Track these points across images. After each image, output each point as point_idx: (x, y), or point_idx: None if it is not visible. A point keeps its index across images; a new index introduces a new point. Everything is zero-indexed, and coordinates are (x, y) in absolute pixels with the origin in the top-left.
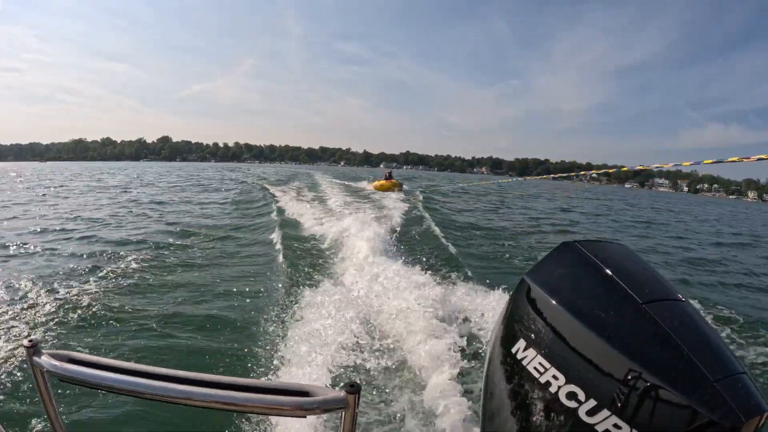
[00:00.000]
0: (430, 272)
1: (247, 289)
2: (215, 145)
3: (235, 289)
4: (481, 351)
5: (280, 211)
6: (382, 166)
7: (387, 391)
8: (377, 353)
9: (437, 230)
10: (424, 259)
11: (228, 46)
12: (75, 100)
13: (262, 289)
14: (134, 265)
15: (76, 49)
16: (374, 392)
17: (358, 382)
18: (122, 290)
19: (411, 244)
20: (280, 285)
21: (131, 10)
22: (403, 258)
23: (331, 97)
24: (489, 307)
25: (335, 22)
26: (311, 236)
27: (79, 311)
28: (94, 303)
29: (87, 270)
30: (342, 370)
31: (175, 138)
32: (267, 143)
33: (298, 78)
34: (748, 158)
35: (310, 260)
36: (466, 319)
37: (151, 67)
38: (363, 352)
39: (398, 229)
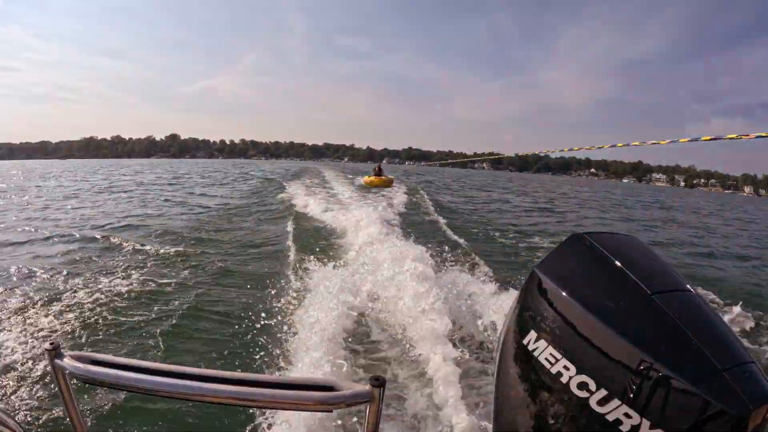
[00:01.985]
0: (439, 264)
1: (264, 285)
2: (222, 142)
3: (250, 285)
4: (492, 342)
5: (291, 204)
6: (384, 161)
7: (401, 383)
8: (388, 347)
9: (442, 221)
10: (432, 250)
11: (230, 42)
12: (76, 98)
13: (278, 284)
14: (152, 263)
15: (74, 47)
16: (389, 386)
17: (383, 375)
18: (140, 290)
19: (417, 234)
20: (294, 279)
21: (130, 6)
22: (411, 249)
23: (335, 93)
24: (499, 298)
25: (337, 16)
26: (322, 227)
27: (99, 312)
28: (112, 303)
29: (104, 269)
30: (360, 363)
31: (183, 135)
32: (272, 140)
33: (301, 73)
34: (747, 136)
35: (320, 252)
36: (476, 311)
37: (153, 64)
38: (374, 345)
39: (403, 219)
